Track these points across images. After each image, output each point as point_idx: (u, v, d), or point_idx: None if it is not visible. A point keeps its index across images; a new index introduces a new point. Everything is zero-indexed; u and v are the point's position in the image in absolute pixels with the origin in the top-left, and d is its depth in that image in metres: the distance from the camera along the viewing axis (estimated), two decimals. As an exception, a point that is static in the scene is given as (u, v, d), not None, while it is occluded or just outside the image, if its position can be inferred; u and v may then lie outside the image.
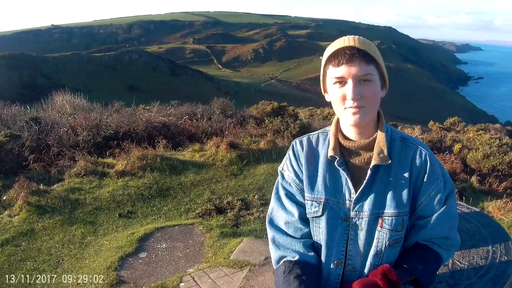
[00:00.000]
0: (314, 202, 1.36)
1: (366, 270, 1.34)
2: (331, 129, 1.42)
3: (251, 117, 10.29)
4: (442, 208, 1.34)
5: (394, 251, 1.34)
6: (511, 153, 10.39)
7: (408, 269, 1.31)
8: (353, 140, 1.36)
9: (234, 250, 3.90)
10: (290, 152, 1.47)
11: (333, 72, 1.27)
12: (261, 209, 5.14)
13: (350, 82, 1.25)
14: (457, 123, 14.06)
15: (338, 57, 1.26)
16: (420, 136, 11.52)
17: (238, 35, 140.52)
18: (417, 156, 1.34)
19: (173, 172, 5.97)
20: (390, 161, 1.31)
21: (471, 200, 5.83)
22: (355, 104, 1.25)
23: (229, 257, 3.80)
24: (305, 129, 8.63)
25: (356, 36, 1.29)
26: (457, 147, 11.71)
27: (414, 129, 12.94)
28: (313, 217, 1.37)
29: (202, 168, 6.29)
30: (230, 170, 6.32)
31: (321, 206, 1.35)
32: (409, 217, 1.34)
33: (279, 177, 1.48)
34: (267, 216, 1.46)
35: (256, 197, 5.47)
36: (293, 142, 1.47)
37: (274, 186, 1.49)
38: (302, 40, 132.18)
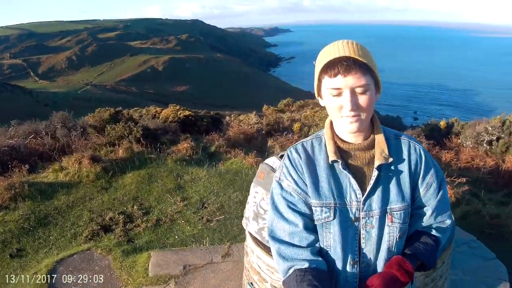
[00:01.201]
0: (324, 208, 1.35)
1: (379, 265, 1.38)
2: (325, 133, 1.42)
3: (90, 126, 9.89)
4: (438, 196, 1.43)
5: (402, 241, 1.41)
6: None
7: (416, 256, 1.38)
8: (351, 143, 1.39)
9: (148, 266, 3.82)
10: (286, 161, 1.43)
11: (329, 83, 1.28)
12: (145, 218, 5.11)
13: (346, 93, 1.26)
14: (291, 104, 15.56)
15: (334, 68, 1.26)
16: (259, 121, 12.17)
17: (51, 44, 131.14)
18: (413, 151, 1.42)
19: (44, 197, 5.43)
20: (392, 159, 1.37)
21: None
22: (352, 114, 1.28)
23: (147, 274, 3.67)
24: (148, 131, 8.60)
25: (351, 43, 1.29)
26: (296, 126, 12.96)
27: (248, 115, 13.59)
28: (323, 222, 1.36)
29: (71, 188, 5.88)
30: (99, 184, 6.06)
31: (331, 211, 1.35)
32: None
33: (277, 188, 1.43)
34: (267, 231, 1.42)
35: (135, 207, 5.39)
36: (288, 151, 1.45)
37: (270, 198, 1.45)
38: (113, 42, 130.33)
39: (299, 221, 1.36)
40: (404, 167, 1.40)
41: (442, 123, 14.23)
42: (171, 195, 5.32)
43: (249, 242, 2.55)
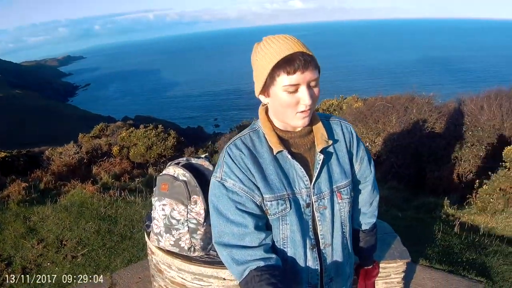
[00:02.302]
0: (279, 200, 1.33)
1: (336, 241, 1.45)
2: (264, 126, 1.39)
3: None
4: (371, 168, 1.58)
5: (350, 214, 1.50)
6: (170, 138, 12.15)
7: (370, 255, 1.66)
8: (291, 131, 1.40)
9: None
10: (227, 159, 1.35)
11: (288, 80, 1.24)
12: (9, 269, 4.15)
13: (303, 89, 1.25)
14: (105, 128, 14.90)
15: (293, 64, 1.22)
16: (78, 150, 11.50)
17: None
18: (345, 130, 1.49)
19: None
20: (331, 141, 1.42)
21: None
22: (307, 108, 1.28)
23: None
24: None
25: (296, 38, 1.29)
26: (115, 149, 12.51)
27: (66, 147, 12.63)
28: (280, 215, 1.35)
29: None
30: None
31: (287, 202, 1.34)
32: None
33: (219, 189, 1.35)
34: (214, 238, 1.35)
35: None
36: (227, 149, 1.38)
37: (210, 202, 1.38)
38: None
39: (248, 222, 1.30)
40: (341, 145, 1.47)
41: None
42: (26, 240, 4.62)
43: (162, 259, 2.46)
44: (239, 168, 1.33)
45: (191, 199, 2.31)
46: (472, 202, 5.87)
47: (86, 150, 11.35)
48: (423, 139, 9.91)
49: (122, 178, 8.06)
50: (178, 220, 2.32)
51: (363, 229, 1.63)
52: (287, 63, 1.22)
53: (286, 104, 1.27)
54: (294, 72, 1.22)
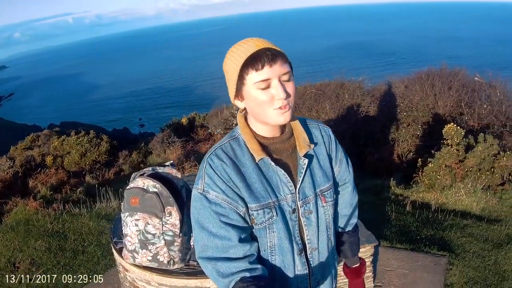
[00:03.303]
0: (265, 209, 1.31)
1: (322, 245, 1.46)
2: (244, 133, 1.36)
3: None
4: (350, 170, 1.60)
5: (334, 216, 1.52)
6: (103, 143, 11.67)
7: (356, 255, 1.65)
8: (271, 137, 1.37)
9: None
10: (208, 170, 1.31)
11: (257, 76, 1.22)
12: None
13: (275, 83, 1.23)
14: (37, 139, 14.05)
15: (260, 59, 1.21)
16: (11, 164, 10.85)
17: None
18: (324, 133, 1.49)
19: None
20: (313, 145, 1.41)
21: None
22: (285, 103, 1.25)
23: None
24: None
25: (262, 38, 1.28)
26: (49, 159, 11.84)
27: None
28: (268, 224, 1.32)
29: None
30: None
31: (273, 210, 1.32)
32: None
33: (201, 201, 1.30)
34: (197, 252, 1.31)
35: None
36: (208, 159, 1.33)
37: (192, 215, 1.33)
38: None
39: (231, 235, 1.26)
40: (321, 149, 1.46)
41: (184, 120, 15.20)
42: (-24, 268, 4.27)
43: (139, 276, 2.32)
44: (221, 179, 1.29)
45: (165, 211, 2.19)
46: (419, 180, 6.16)
47: (20, 163, 10.64)
48: (359, 123, 10.26)
49: (63, 189, 7.65)
50: (153, 234, 2.19)
51: (346, 230, 1.63)
52: (254, 60, 1.22)
53: (261, 101, 1.25)
54: (262, 67, 1.21)
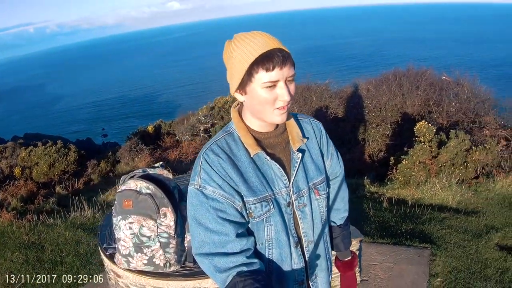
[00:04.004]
0: (263, 203, 1.33)
1: (316, 237, 1.48)
2: (239, 128, 1.37)
3: None
4: (340, 163, 1.62)
5: (327, 210, 1.53)
6: (71, 153, 11.39)
7: (348, 248, 1.69)
8: (265, 132, 1.39)
9: None
10: (204, 166, 1.32)
11: (267, 77, 1.22)
12: None
13: (281, 84, 1.24)
14: (4, 150, 13.50)
15: (271, 60, 1.21)
16: None
17: None
18: (315, 127, 1.52)
19: None
20: (306, 140, 1.44)
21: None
22: (286, 104, 1.27)
23: None
24: None
25: (270, 35, 1.28)
26: (17, 170, 11.45)
27: None
28: (265, 217, 1.34)
29: None
30: None
31: (270, 203, 1.34)
32: None
33: (198, 197, 1.31)
34: (194, 249, 1.32)
35: None
36: (204, 155, 1.34)
37: (188, 211, 1.34)
38: None
39: (228, 230, 1.27)
40: (313, 143, 1.49)
41: (150, 128, 15.04)
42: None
43: (134, 281, 2.26)
44: (217, 174, 1.30)
45: (160, 212, 2.15)
46: (393, 177, 6.30)
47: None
48: (328, 125, 10.40)
49: (36, 200, 7.42)
50: (148, 237, 2.15)
51: (338, 224, 1.66)
52: (265, 60, 1.21)
53: (265, 101, 1.26)
54: (273, 69, 1.22)
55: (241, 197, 1.31)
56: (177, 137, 13.52)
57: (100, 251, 2.57)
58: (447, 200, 5.17)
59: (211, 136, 13.14)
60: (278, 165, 1.35)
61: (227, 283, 1.22)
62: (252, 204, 1.31)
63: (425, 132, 6.03)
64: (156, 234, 2.16)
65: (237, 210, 1.30)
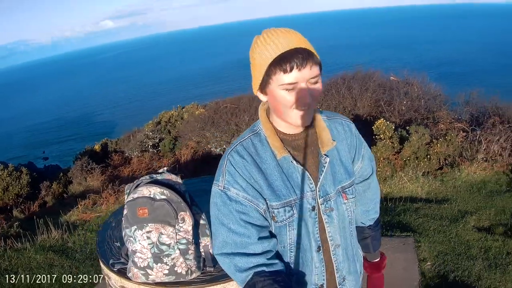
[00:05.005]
0: (286, 207, 1.31)
1: (345, 241, 1.45)
2: (266, 128, 1.34)
3: None
4: (374, 168, 1.57)
5: (354, 213, 1.50)
6: (23, 176, 10.81)
7: (377, 249, 1.68)
8: (293, 134, 1.35)
9: None
10: (228, 167, 1.30)
11: (285, 79, 1.19)
12: None
13: (302, 86, 1.20)
14: None
15: (290, 62, 1.17)
16: None
17: None
18: (346, 128, 1.45)
19: None
20: (335, 142, 1.38)
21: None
22: (306, 107, 1.23)
23: None
24: None
25: (294, 31, 1.23)
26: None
27: None
28: (288, 222, 1.33)
29: None
30: None
31: (294, 208, 1.32)
32: None
33: (222, 198, 1.30)
34: (216, 248, 1.32)
35: None
36: (228, 156, 1.32)
37: (211, 211, 1.33)
38: None
39: (251, 233, 1.27)
40: (343, 145, 1.43)
41: (97, 147, 14.67)
42: None
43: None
44: (242, 176, 1.29)
45: (179, 217, 2.09)
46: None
47: None
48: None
49: (-1, 226, 7.04)
50: (168, 245, 2.07)
51: (367, 225, 1.64)
52: (283, 61, 1.18)
53: (285, 102, 1.23)
54: (291, 70, 1.18)
55: (265, 200, 1.30)
56: (126, 154, 13.29)
57: (105, 268, 2.43)
58: (416, 192, 5.42)
59: (160, 151, 13.00)
60: (302, 168, 1.33)
61: (246, 282, 1.24)
62: (276, 208, 1.31)
63: (384, 130, 6.29)
64: (176, 241, 2.09)
65: (260, 213, 1.30)
